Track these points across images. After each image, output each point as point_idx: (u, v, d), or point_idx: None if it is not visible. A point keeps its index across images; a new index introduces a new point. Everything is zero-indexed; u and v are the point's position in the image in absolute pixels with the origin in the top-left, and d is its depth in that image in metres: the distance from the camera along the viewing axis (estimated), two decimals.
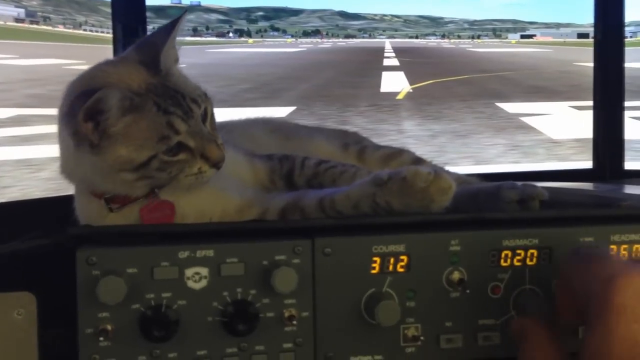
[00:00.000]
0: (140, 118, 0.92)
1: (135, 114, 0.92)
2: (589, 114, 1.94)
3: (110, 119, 0.90)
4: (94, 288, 0.78)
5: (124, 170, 0.93)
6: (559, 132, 7.49)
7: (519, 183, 1.03)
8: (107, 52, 1.62)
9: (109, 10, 1.65)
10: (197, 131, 0.97)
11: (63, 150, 1.00)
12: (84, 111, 0.88)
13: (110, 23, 1.65)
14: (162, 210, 0.99)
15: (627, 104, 1.92)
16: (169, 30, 1.01)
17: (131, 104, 0.91)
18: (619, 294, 0.65)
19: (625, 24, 1.92)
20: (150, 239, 0.84)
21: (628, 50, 1.93)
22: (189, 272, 0.82)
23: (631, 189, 1.67)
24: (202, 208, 1.01)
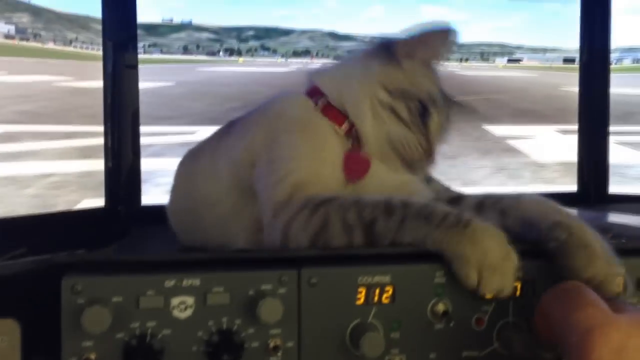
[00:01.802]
0: (430, 77, 1.19)
1: (431, 71, 1.19)
2: (574, 138, 1.95)
3: (424, 54, 1.16)
4: (79, 317, 0.77)
5: (383, 88, 1.13)
6: (544, 155, 7.52)
7: None
8: (96, 68, 1.63)
9: (99, 27, 1.66)
10: (440, 128, 1.19)
11: None
12: (419, 35, 1.16)
13: (100, 40, 1.65)
14: (359, 164, 1.11)
15: (612, 129, 1.93)
16: None
17: (437, 60, 1.20)
18: (596, 349, 0.66)
19: (611, 50, 1.94)
20: (136, 268, 0.84)
21: (613, 76, 1.95)
22: (174, 301, 0.82)
23: (614, 217, 1.68)
24: (389, 189, 1.09)
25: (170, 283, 0.82)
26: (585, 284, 0.80)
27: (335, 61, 1.28)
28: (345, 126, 1.12)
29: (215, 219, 1.17)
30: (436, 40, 1.17)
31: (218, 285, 0.83)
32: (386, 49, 1.17)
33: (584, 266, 0.85)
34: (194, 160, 1.28)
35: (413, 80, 1.15)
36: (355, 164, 1.11)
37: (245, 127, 1.19)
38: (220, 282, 0.83)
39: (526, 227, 0.94)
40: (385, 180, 1.12)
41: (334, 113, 1.13)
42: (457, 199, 1.08)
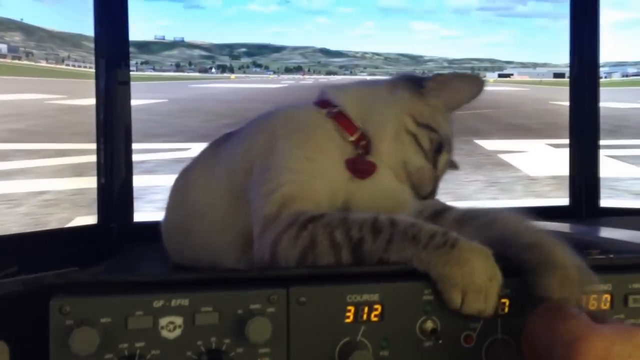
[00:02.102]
0: (449, 120, 1.26)
1: (449, 115, 1.27)
2: (566, 152, 1.96)
3: (450, 95, 1.24)
4: (67, 338, 0.77)
5: (411, 117, 1.20)
6: (536, 169, 7.54)
7: None
8: (89, 86, 1.63)
9: (91, 45, 1.66)
10: (444, 166, 1.25)
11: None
12: (453, 76, 1.25)
13: (93, 58, 1.65)
14: (367, 165, 1.15)
15: (602, 142, 1.94)
16: None
17: (459, 105, 1.28)
18: (582, 358, 0.66)
19: (600, 65, 1.95)
20: (124, 288, 0.84)
21: (603, 90, 1.96)
22: (163, 321, 0.82)
23: (605, 232, 1.69)
24: (388, 193, 1.16)
25: (158, 303, 0.82)
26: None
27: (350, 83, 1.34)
28: (356, 136, 1.16)
29: (205, 230, 1.17)
30: (465, 87, 1.25)
31: (207, 305, 0.83)
32: (415, 83, 1.24)
33: (558, 288, 0.85)
34: (187, 174, 1.29)
35: (436, 118, 1.22)
36: (362, 165, 1.15)
37: (246, 133, 1.21)
38: (209, 302, 0.83)
39: (501, 245, 0.93)
40: (385, 183, 1.16)
41: (346, 122, 1.17)
42: (441, 212, 1.11)
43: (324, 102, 1.21)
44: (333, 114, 1.18)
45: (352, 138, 1.16)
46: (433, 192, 1.23)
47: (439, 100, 1.23)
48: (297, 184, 1.05)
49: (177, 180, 1.30)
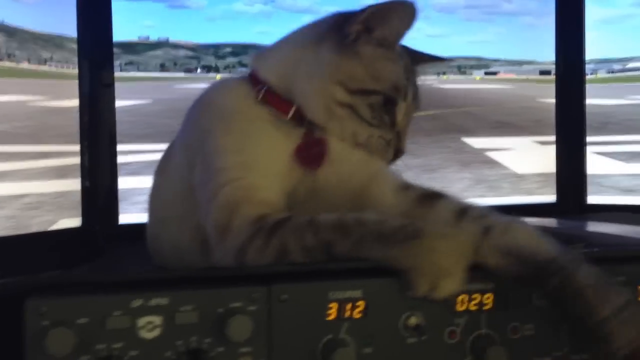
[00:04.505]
0: (393, 59, 1.07)
1: (392, 52, 1.07)
2: (552, 149, 1.96)
3: (382, 32, 1.04)
4: (43, 340, 0.76)
5: (341, 85, 1.03)
6: (523, 166, 7.56)
7: None
8: (72, 87, 1.61)
9: (74, 46, 1.64)
10: (407, 113, 1.10)
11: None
12: (374, 9, 1.03)
13: (76, 59, 1.64)
14: (318, 146, 1.05)
15: (589, 139, 1.94)
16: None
17: (397, 40, 1.08)
18: None
19: (586, 62, 1.96)
20: (102, 288, 0.82)
21: (589, 87, 1.96)
22: (141, 321, 0.80)
23: (592, 226, 1.69)
24: (353, 168, 1.06)
25: (137, 303, 0.80)
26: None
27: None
28: (291, 113, 1.05)
29: (169, 231, 1.13)
30: (393, 15, 1.05)
31: (186, 304, 0.81)
32: (338, 30, 1.06)
33: (587, 316, 0.82)
34: (155, 174, 1.24)
35: (373, 71, 1.05)
36: (309, 153, 1.04)
37: (182, 125, 1.13)
38: (189, 301, 0.81)
39: (513, 257, 0.87)
40: (347, 163, 1.06)
41: (277, 100, 1.06)
42: (433, 196, 1.04)
43: (253, 78, 1.09)
44: (262, 94, 1.06)
45: (288, 117, 1.05)
46: (399, 151, 1.10)
47: (370, 43, 1.05)
48: (236, 185, 0.98)
49: (153, 180, 1.26)
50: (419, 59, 1.18)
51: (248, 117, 1.04)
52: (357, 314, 0.85)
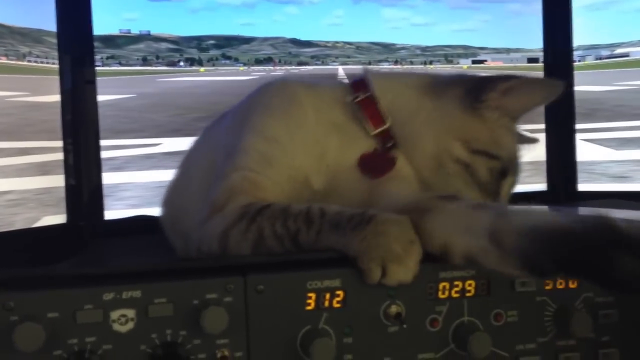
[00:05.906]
0: (512, 132, 1.07)
1: (513, 125, 1.07)
2: (542, 137, 1.95)
3: (516, 103, 1.03)
4: (11, 335, 0.74)
5: (462, 142, 1.01)
6: None
7: None
8: (52, 82, 1.59)
9: (54, 40, 1.61)
10: (510, 187, 1.09)
11: None
12: (523, 82, 1.02)
13: (56, 53, 1.61)
14: (387, 161, 1.03)
15: (578, 126, 1.93)
16: None
17: (524, 113, 1.07)
18: None
19: (574, 48, 1.94)
20: (72, 281, 0.80)
21: (577, 73, 1.95)
22: (114, 314, 0.79)
23: (585, 213, 1.67)
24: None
25: (109, 296, 0.78)
26: None
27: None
28: (379, 131, 1.04)
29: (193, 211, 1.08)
30: (536, 94, 1.06)
31: (160, 296, 0.80)
32: (471, 94, 1.04)
33: None
34: (183, 158, 1.23)
35: (496, 138, 1.04)
36: (375, 163, 1.03)
37: (234, 108, 1.13)
38: (163, 293, 0.80)
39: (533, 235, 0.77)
40: (400, 182, 1.03)
41: (373, 110, 1.04)
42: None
43: (357, 84, 1.08)
44: (361, 98, 1.05)
45: (374, 131, 1.03)
46: None
47: (501, 113, 1.04)
48: (246, 175, 0.98)
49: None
50: (520, 139, 1.14)
51: (318, 114, 1.04)
52: (336, 304, 0.84)
